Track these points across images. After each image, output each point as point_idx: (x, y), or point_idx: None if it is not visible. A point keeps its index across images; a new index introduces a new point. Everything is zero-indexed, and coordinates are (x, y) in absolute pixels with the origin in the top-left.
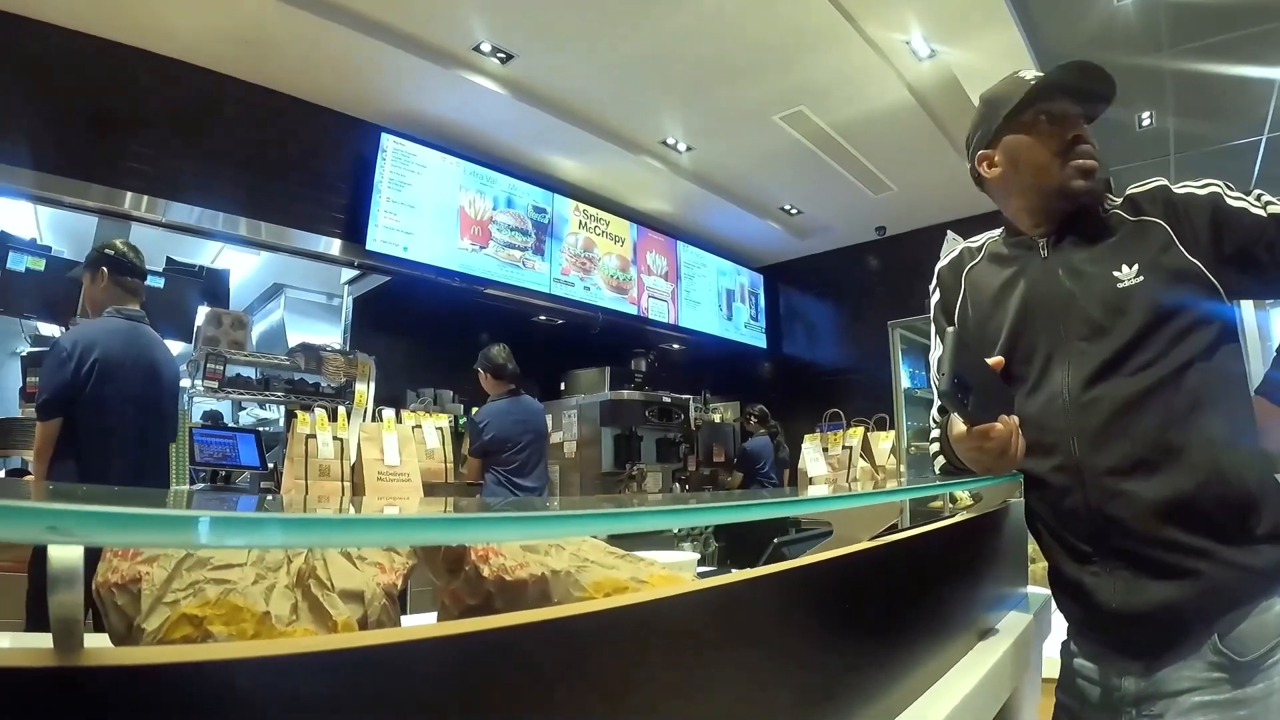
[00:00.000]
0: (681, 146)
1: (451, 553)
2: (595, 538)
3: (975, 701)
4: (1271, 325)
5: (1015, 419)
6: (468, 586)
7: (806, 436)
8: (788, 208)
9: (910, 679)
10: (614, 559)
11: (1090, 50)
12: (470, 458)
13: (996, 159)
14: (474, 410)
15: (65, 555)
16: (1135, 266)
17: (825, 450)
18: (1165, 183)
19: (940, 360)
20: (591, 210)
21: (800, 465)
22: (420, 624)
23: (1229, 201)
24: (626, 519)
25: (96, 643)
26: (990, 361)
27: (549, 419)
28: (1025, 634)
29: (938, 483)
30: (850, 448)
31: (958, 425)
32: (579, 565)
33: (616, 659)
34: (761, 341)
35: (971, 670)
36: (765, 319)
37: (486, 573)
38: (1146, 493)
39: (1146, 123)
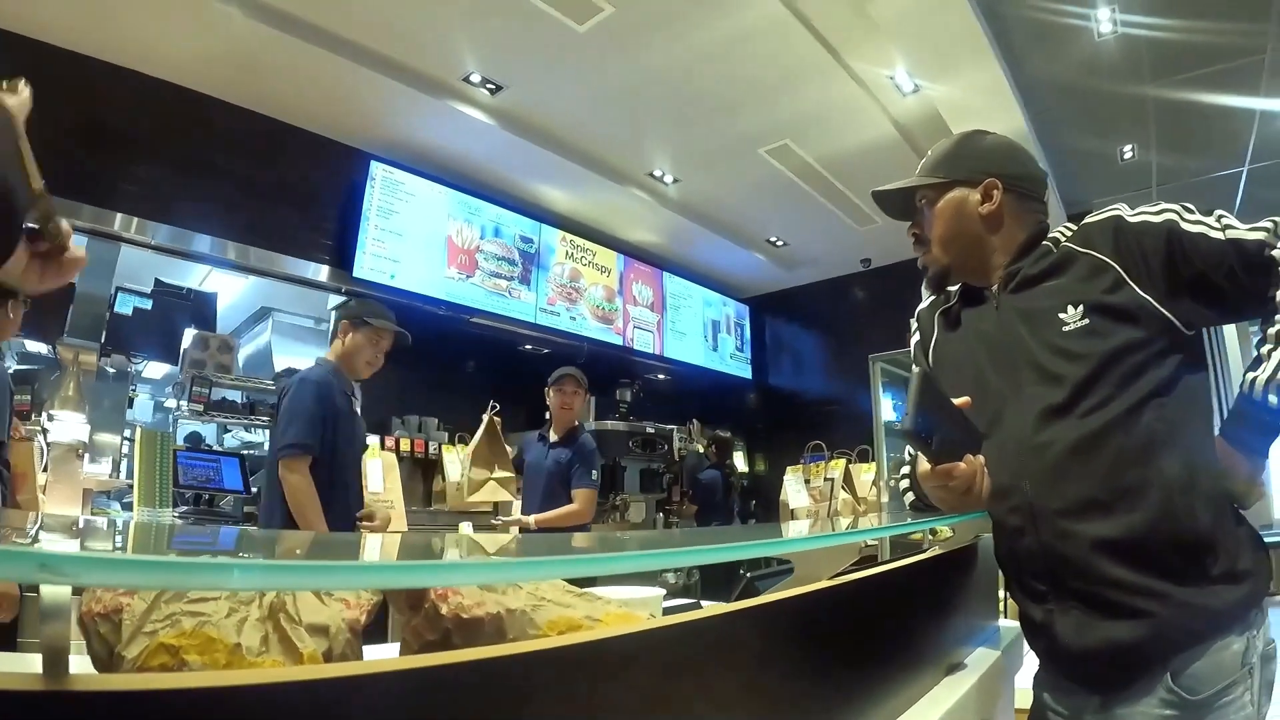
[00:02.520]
0: (668, 178)
1: (413, 592)
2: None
3: None
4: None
5: (980, 459)
6: (427, 623)
7: (789, 468)
8: (774, 239)
9: (875, 712)
10: (571, 597)
11: (1073, 84)
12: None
13: (999, 201)
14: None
15: (56, 592)
16: (1081, 308)
17: (808, 482)
18: (1120, 212)
19: (906, 400)
20: (578, 241)
21: (782, 497)
22: (378, 658)
23: (1185, 226)
24: (571, 565)
25: (80, 668)
26: (957, 402)
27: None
28: (993, 668)
29: (893, 525)
30: (832, 480)
31: (923, 463)
32: (535, 604)
33: (566, 695)
34: (747, 372)
35: (937, 704)
36: (751, 350)
37: (445, 611)
38: (1097, 533)
39: (1129, 156)
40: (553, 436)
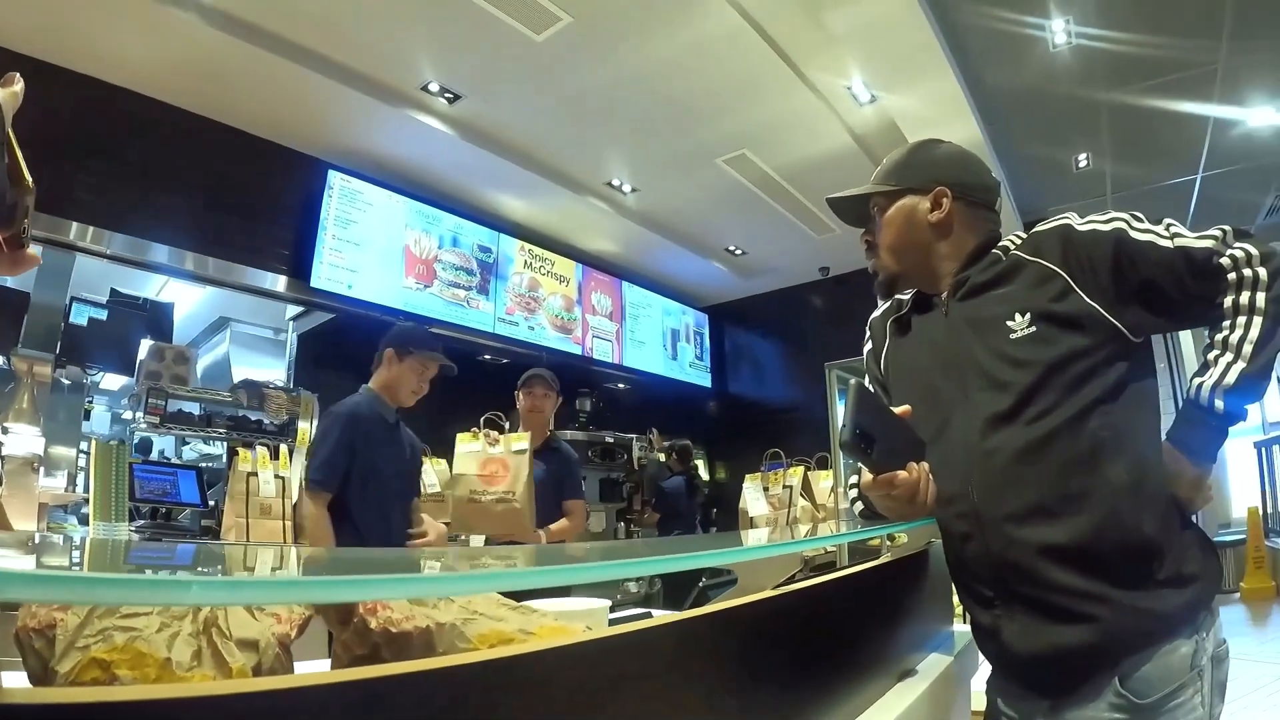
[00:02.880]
0: (627, 188)
1: (341, 606)
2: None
3: None
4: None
5: (925, 466)
6: (356, 637)
7: (748, 476)
8: (732, 249)
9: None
10: (505, 610)
11: (1028, 94)
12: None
13: (949, 209)
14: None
15: None
16: (1028, 315)
17: (766, 490)
18: (1069, 221)
19: (843, 412)
20: (537, 250)
21: (741, 505)
22: (305, 673)
23: (1134, 235)
24: (503, 578)
25: (16, 683)
26: (898, 411)
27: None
28: (945, 674)
29: (847, 533)
30: (791, 487)
31: (865, 473)
32: (466, 618)
33: (493, 710)
34: (707, 381)
35: (887, 710)
36: (710, 358)
37: (374, 624)
38: (1042, 539)
39: (1084, 164)
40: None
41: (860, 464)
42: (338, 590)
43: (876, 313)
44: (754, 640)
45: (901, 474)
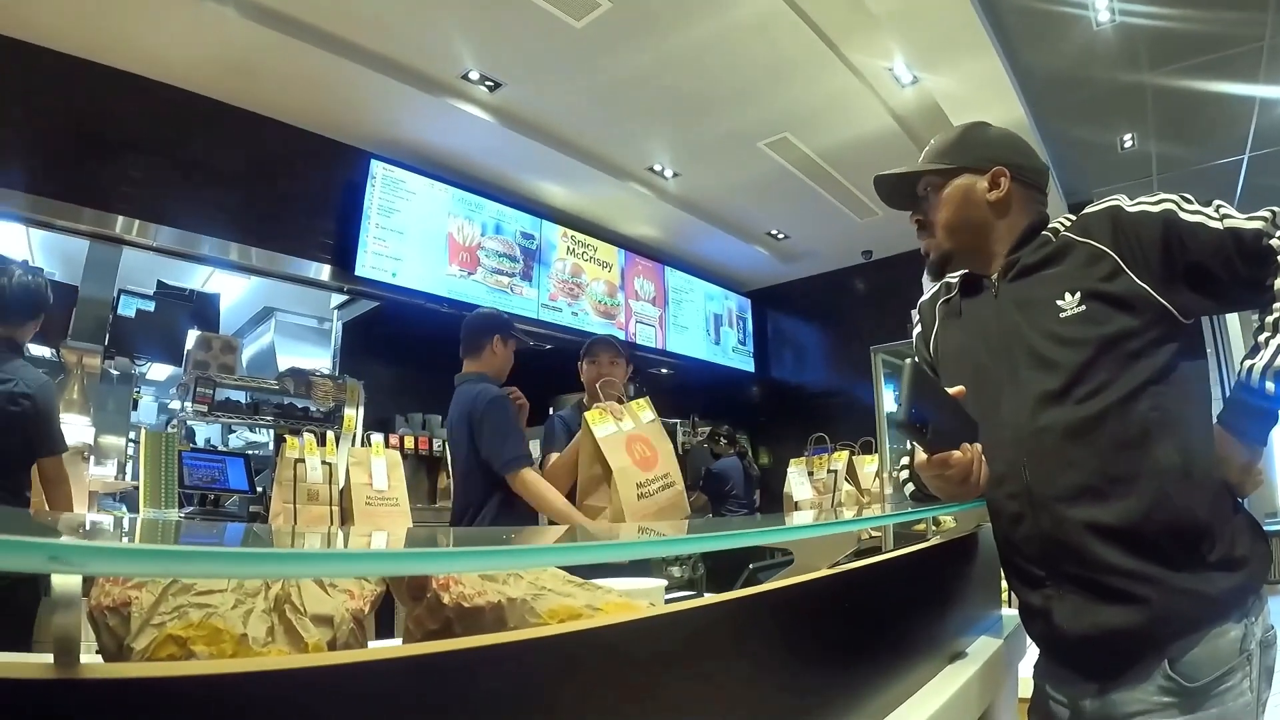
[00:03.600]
0: (668, 173)
1: (415, 581)
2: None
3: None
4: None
5: (978, 447)
6: (429, 613)
7: (793, 461)
8: (774, 233)
9: (875, 701)
10: (571, 587)
11: (1072, 74)
12: None
13: (1007, 189)
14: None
15: (66, 582)
16: (1078, 295)
17: (810, 474)
18: (1119, 202)
19: (898, 392)
20: (579, 236)
21: (785, 489)
22: (384, 645)
23: (1184, 216)
24: (575, 552)
25: (90, 661)
26: (952, 391)
27: (536, 444)
28: (995, 656)
29: (892, 514)
30: (835, 471)
31: (921, 453)
32: (535, 593)
33: (567, 682)
34: (750, 365)
35: (938, 692)
36: (753, 343)
37: (446, 600)
38: (1094, 519)
39: (1129, 145)
40: None
41: (915, 444)
42: (423, 563)
43: (925, 296)
44: (812, 619)
45: (956, 454)
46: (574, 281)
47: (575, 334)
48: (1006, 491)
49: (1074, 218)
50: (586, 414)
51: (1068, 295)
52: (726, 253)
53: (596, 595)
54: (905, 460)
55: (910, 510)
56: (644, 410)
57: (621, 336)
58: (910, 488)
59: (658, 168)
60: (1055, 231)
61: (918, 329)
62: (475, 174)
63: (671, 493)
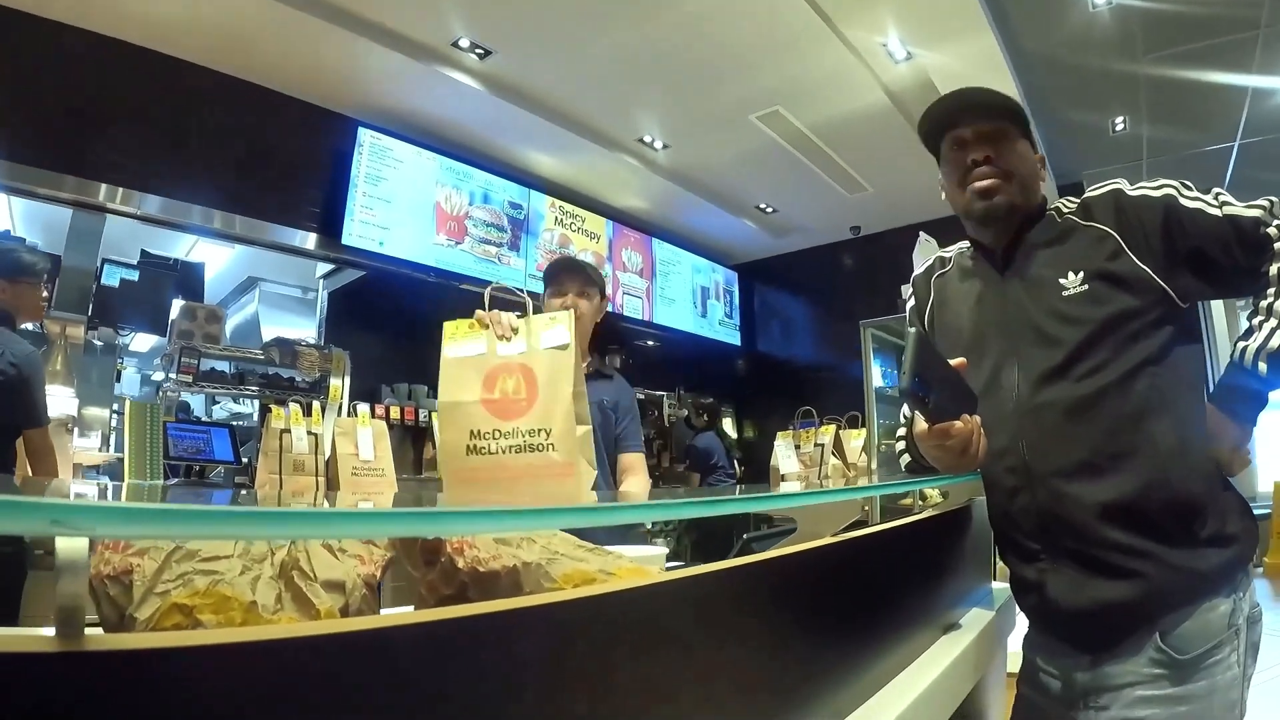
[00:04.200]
0: (658, 144)
1: (429, 545)
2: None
3: (939, 691)
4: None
5: (977, 419)
6: (443, 577)
7: (780, 434)
8: (763, 206)
9: (875, 670)
10: (583, 552)
11: (1065, 55)
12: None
13: (941, 185)
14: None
15: (72, 548)
16: (1081, 274)
17: (798, 448)
18: (1120, 186)
19: (902, 360)
20: (568, 207)
21: (773, 462)
22: (401, 611)
23: (1184, 202)
24: (595, 514)
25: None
26: (953, 363)
27: None
28: (989, 628)
29: (901, 481)
30: (822, 445)
31: (920, 423)
32: (549, 558)
33: (585, 647)
34: (736, 339)
35: (935, 662)
36: (740, 316)
37: (461, 564)
38: (1091, 495)
39: (1120, 128)
40: None
41: (916, 414)
42: (455, 523)
43: (918, 270)
44: (818, 586)
45: (957, 425)
46: (562, 252)
47: None
48: (1005, 465)
49: (1076, 201)
50: (445, 324)
51: (1071, 274)
52: (715, 226)
53: (608, 560)
54: (901, 432)
55: (914, 480)
56: (553, 329)
57: (609, 308)
58: (906, 459)
59: (648, 139)
60: (1059, 212)
61: (911, 303)
62: (464, 142)
63: (539, 459)
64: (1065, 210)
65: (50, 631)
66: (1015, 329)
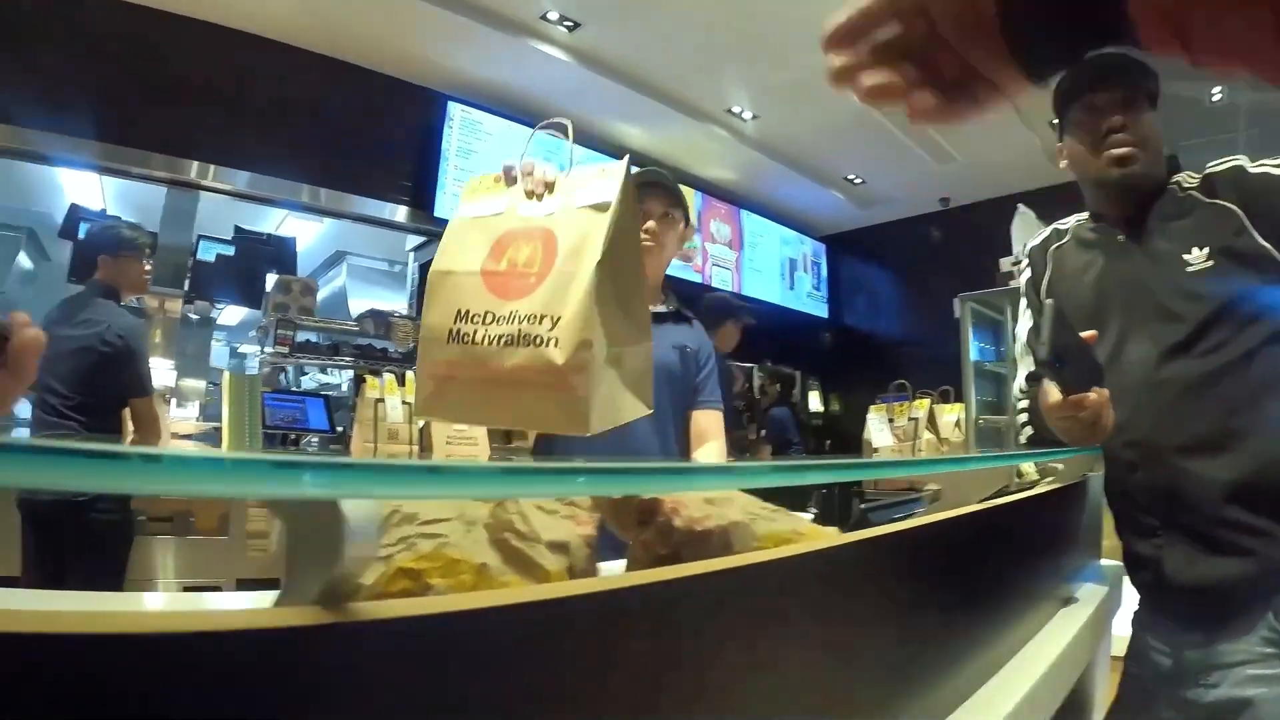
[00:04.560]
0: (747, 115)
1: (645, 505)
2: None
3: (1061, 665)
4: None
5: (1106, 392)
6: (659, 537)
7: (872, 407)
8: (851, 177)
9: (1003, 641)
10: (770, 513)
11: None
12: None
13: (1064, 154)
14: None
15: (364, 512)
16: (1206, 250)
17: (890, 421)
18: (1241, 162)
19: (1040, 331)
20: None
21: (865, 435)
22: (631, 572)
23: None
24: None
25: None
26: (1084, 335)
27: None
28: (1104, 603)
29: (1040, 451)
30: (916, 419)
31: (1051, 395)
32: (751, 517)
33: (792, 602)
34: (823, 311)
35: (1057, 636)
36: (827, 288)
37: (678, 523)
38: (1210, 472)
39: (1217, 98)
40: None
41: (1051, 384)
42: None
43: (1034, 241)
44: (962, 551)
45: (1091, 396)
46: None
47: None
48: (1124, 440)
49: (1198, 176)
50: (470, 179)
51: (1195, 250)
52: (802, 197)
53: (795, 522)
54: (1024, 404)
55: (1048, 451)
56: (597, 181)
57: (699, 279)
58: (1029, 430)
59: (736, 109)
60: (1180, 186)
61: (1027, 274)
62: (552, 115)
63: (530, 358)
64: (1187, 185)
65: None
66: (1138, 303)
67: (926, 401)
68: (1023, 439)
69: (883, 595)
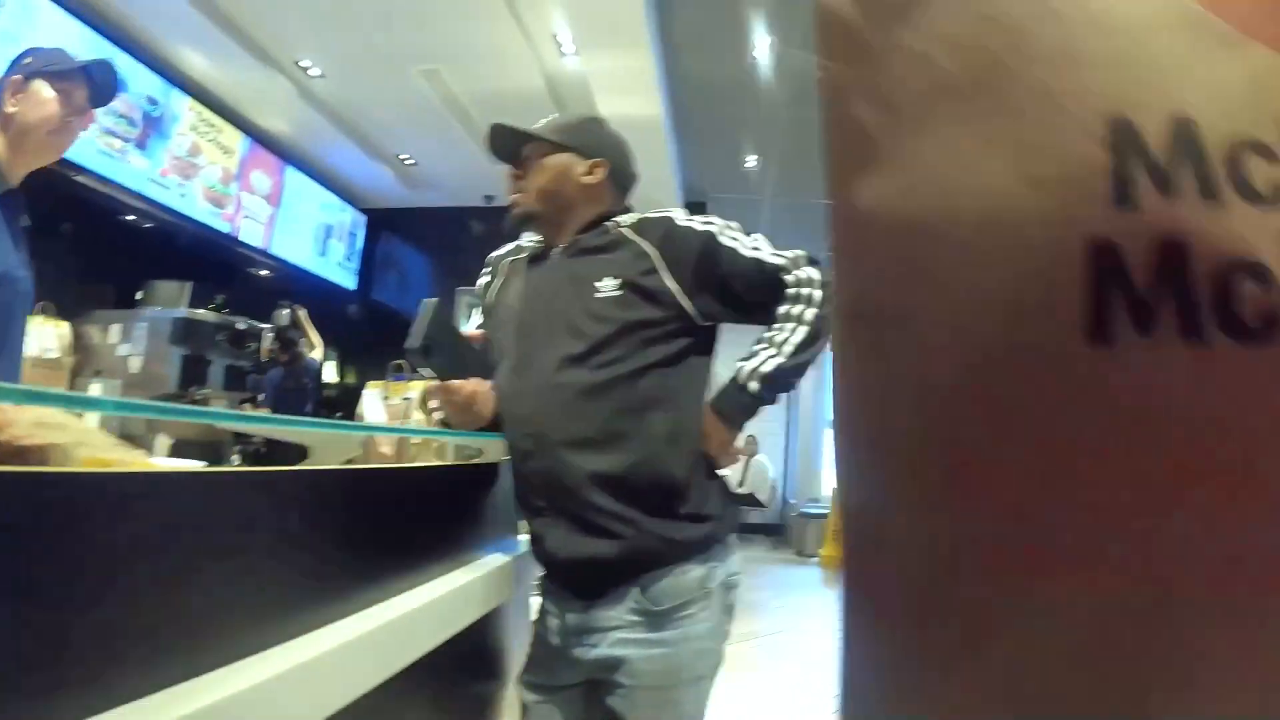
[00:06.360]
0: (315, 71)
1: None
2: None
3: (445, 607)
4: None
5: (482, 383)
6: None
7: (369, 383)
8: (405, 157)
9: (396, 582)
10: (113, 449)
11: (717, 92)
12: None
13: (600, 179)
14: None
15: None
16: (618, 280)
17: (386, 399)
18: (673, 215)
19: (415, 323)
20: (207, 114)
21: (359, 410)
22: None
23: (721, 239)
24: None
25: None
26: (474, 332)
27: (118, 328)
28: (503, 567)
29: (416, 429)
30: (409, 399)
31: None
32: (78, 442)
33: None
34: (353, 283)
35: (448, 584)
36: (360, 261)
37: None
38: (590, 466)
39: (751, 164)
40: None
41: (430, 370)
42: None
43: (500, 251)
44: (334, 505)
45: (457, 383)
46: (190, 161)
47: (178, 217)
48: (523, 431)
49: (636, 219)
50: None
51: (608, 279)
52: (352, 165)
53: (135, 456)
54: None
55: (423, 429)
56: None
57: (227, 229)
58: (439, 414)
59: (306, 64)
60: (616, 224)
61: (486, 278)
62: (111, 17)
63: None
64: (622, 224)
65: None
66: (554, 317)
67: (422, 384)
68: (436, 420)
69: (243, 528)
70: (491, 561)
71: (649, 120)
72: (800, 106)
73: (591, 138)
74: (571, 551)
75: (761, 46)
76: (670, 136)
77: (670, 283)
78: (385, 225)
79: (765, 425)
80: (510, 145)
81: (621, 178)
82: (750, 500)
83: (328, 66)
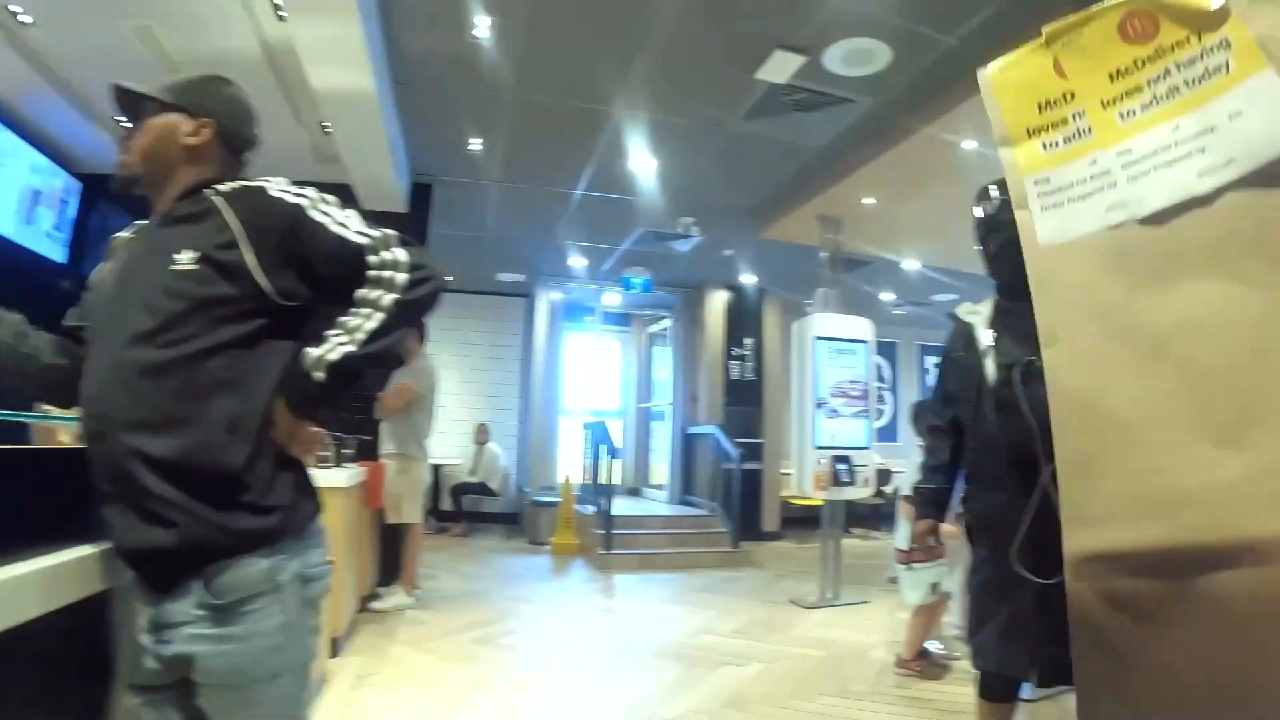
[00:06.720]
0: (25, 18)
1: None
2: None
3: None
4: None
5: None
6: None
7: None
8: (123, 120)
9: None
10: None
11: (438, 69)
12: None
13: (206, 139)
14: None
15: None
16: (196, 254)
17: None
18: (266, 185)
19: None
20: None
21: None
22: None
23: (310, 213)
24: None
25: None
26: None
27: None
28: (84, 560)
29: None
30: None
31: None
32: None
33: None
34: (62, 256)
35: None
36: (71, 231)
37: None
38: (149, 450)
39: (475, 147)
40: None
41: None
42: None
43: (124, 231)
44: None
45: None
46: None
47: None
48: (88, 412)
49: (233, 187)
50: None
51: (186, 252)
52: (69, 126)
53: None
54: None
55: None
56: None
57: None
58: None
59: (15, 8)
60: (216, 192)
61: (105, 261)
62: None
63: None
64: (220, 191)
65: None
66: (131, 292)
67: None
68: None
69: None
70: (74, 553)
71: (363, 94)
72: (522, 91)
73: (204, 96)
74: (134, 541)
75: (482, 26)
76: (390, 114)
77: (249, 258)
78: (106, 194)
79: (498, 413)
80: (133, 107)
81: (233, 139)
82: (482, 488)
83: (39, 14)
